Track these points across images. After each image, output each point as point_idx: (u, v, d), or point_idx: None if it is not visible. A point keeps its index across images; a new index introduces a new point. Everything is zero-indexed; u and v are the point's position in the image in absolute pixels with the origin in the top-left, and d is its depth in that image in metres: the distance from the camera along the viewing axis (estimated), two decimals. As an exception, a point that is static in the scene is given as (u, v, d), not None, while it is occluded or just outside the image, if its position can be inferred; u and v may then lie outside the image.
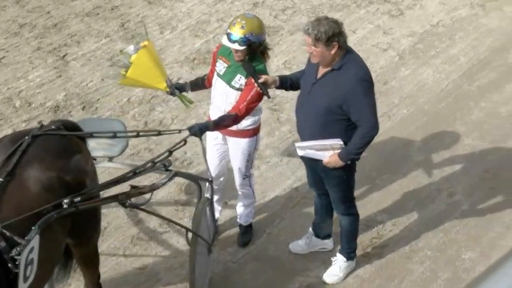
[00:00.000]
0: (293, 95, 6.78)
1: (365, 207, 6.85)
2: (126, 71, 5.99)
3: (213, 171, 6.15)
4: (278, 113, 8.07)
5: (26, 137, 4.79)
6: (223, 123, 5.68)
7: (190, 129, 5.51)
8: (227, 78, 5.89)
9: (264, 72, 5.78)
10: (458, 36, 9.49)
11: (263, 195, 7.01)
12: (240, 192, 6.42)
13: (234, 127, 5.88)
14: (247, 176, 6.28)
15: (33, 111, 8.02)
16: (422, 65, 8.95)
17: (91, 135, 5.30)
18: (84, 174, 4.87)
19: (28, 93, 8.32)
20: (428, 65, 8.96)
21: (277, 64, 8.78)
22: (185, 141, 5.40)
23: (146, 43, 6.03)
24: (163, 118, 7.98)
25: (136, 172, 5.08)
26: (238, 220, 6.60)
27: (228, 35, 5.71)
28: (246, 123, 5.94)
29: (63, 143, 4.91)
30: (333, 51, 5.38)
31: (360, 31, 9.54)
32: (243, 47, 5.68)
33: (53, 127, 4.98)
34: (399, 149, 7.64)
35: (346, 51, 5.47)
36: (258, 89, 5.64)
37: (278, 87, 5.85)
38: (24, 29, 9.45)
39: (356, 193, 6.59)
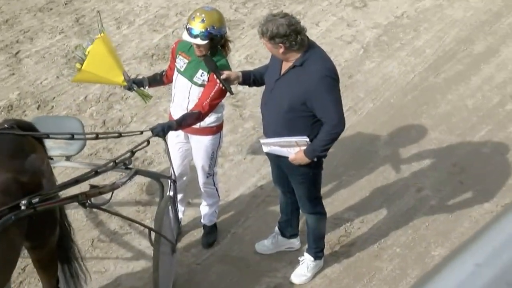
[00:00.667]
0: (256, 90, 6.66)
1: (333, 204, 6.77)
2: (82, 65, 5.81)
3: (176, 170, 6.03)
4: (241, 109, 7.93)
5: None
6: (186, 122, 5.58)
7: (152, 130, 5.41)
8: (189, 74, 5.79)
9: (227, 67, 5.71)
10: (423, 27, 9.40)
11: (227, 194, 6.90)
12: (203, 191, 6.34)
13: (196, 125, 5.77)
14: (210, 174, 6.21)
15: (-15, 111, 7.81)
16: (387, 58, 8.84)
17: (47, 136, 5.17)
18: (40, 174, 4.75)
19: (-21, 92, 8.10)
20: (393, 57, 8.85)
21: (239, 59, 8.65)
22: (148, 141, 5.29)
23: (102, 34, 5.88)
24: (122, 116, 7.80)
25: (97, 171, 4.96)
26: (202, 220, 6.51)
27: (189, 30, 5.61)
28: (209, 120, 5.85)
29: (17, 142, 4.78)
30: (280, 50, 5.29)
31: (323, 23, 9.42)
32: (205, 41, 5.59)
33: (6, 126, 4.83)
34: (366, 144, 7.55)
35: (308, 47, 5.37)
36: (221, 85, 5.52)
37: (241, 83, 5.78)
38: (-27, 25, 9.22)
39: (323, 190, 6.49)
